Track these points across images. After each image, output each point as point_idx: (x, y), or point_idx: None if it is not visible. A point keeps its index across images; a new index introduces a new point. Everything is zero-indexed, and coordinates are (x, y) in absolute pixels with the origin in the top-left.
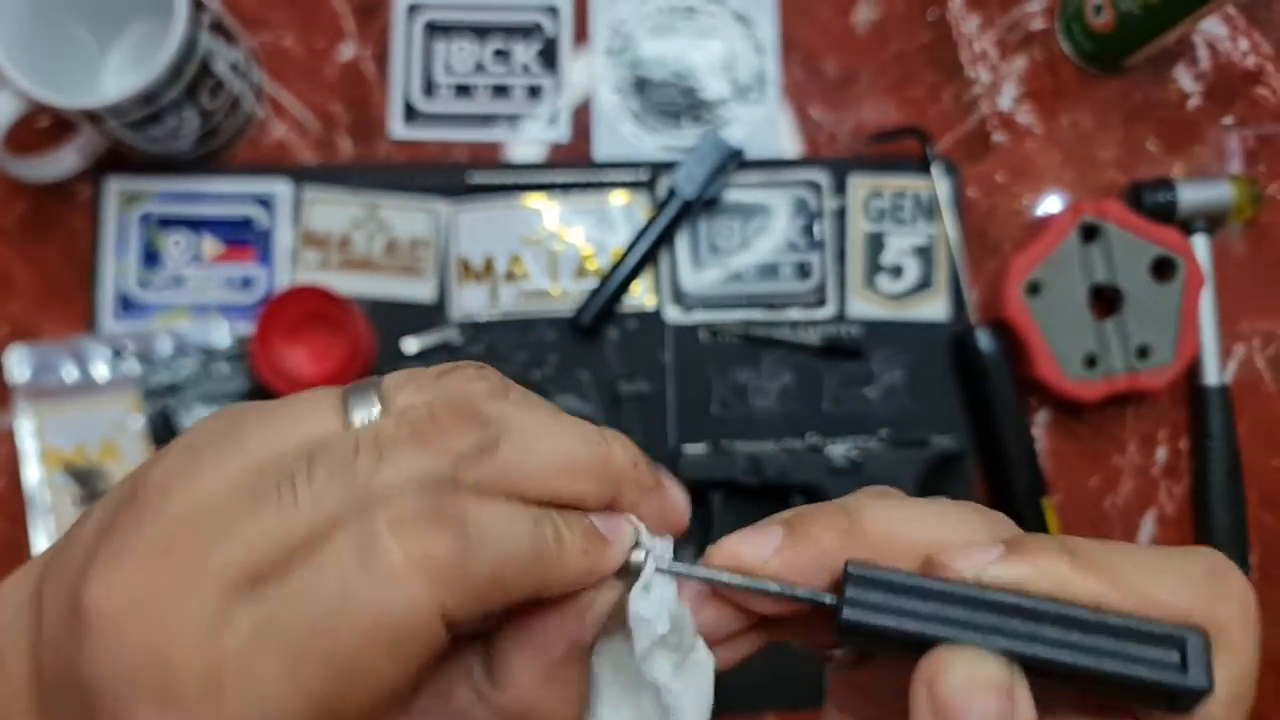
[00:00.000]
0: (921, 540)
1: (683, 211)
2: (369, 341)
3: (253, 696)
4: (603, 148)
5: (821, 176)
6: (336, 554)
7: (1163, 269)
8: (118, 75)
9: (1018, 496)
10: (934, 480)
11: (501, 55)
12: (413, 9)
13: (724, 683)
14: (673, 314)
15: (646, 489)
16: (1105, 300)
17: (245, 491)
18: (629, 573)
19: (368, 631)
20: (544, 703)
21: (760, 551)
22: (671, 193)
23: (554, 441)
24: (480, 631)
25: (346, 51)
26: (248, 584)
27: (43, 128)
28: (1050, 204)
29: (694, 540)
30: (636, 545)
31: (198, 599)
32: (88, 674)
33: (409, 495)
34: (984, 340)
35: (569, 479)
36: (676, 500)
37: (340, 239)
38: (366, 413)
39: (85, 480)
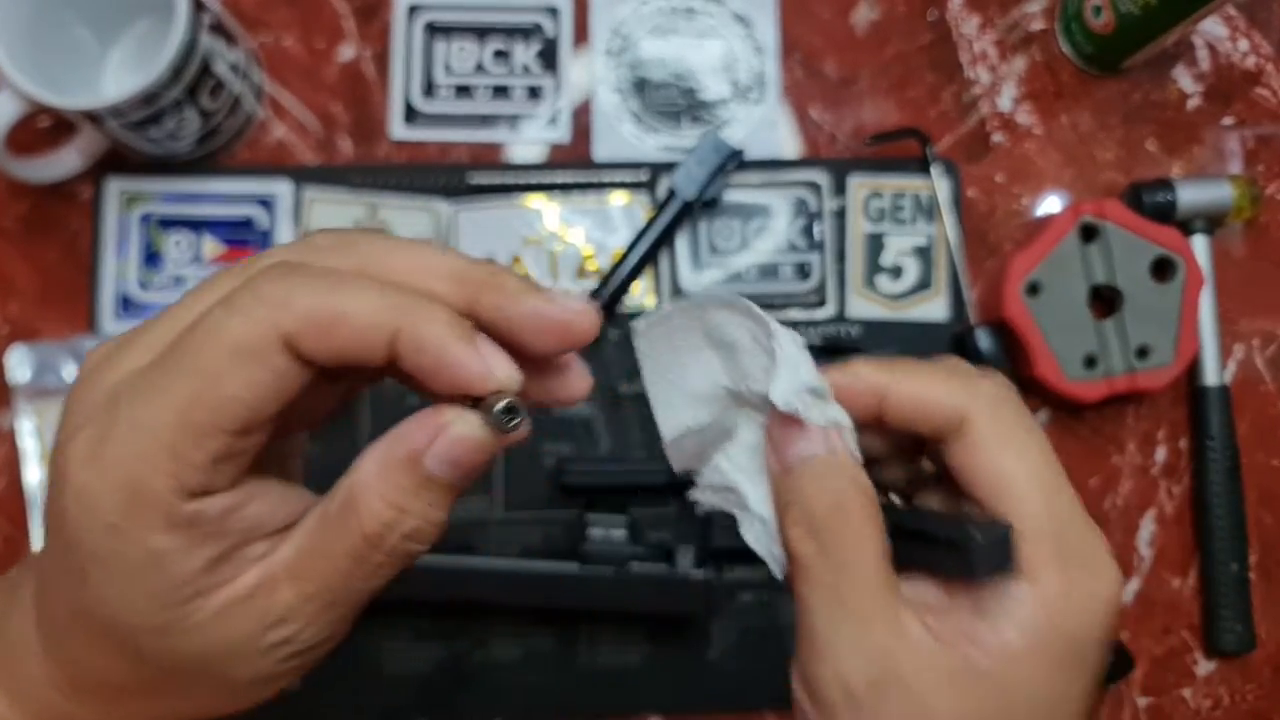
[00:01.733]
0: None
1: (683, 212)
2: None
3: (135, 402)
4: (603, 148)
5: (821, 177)
6: (210, 312)
7: (1162, 269)
8: (118, 76)
9: None
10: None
11: (501, 56)
12: (413, 10)
13: (724, 682)
14: None
15: (511, 293)
16: (1105, 300)
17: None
18: (492, 419)
19: (216, 348)
20: (370, 496)
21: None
22: (671, 193)
23: (410, 247)
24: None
25: (347, 52)
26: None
27: (43, 128)
28: (1050, 204)
29: (695, 541)
30: (506, 405)
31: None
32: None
33: (271, 267)
34: (983, 340)
35: (423, 274)
36: (553, 308)
37: None
38: None
39: None
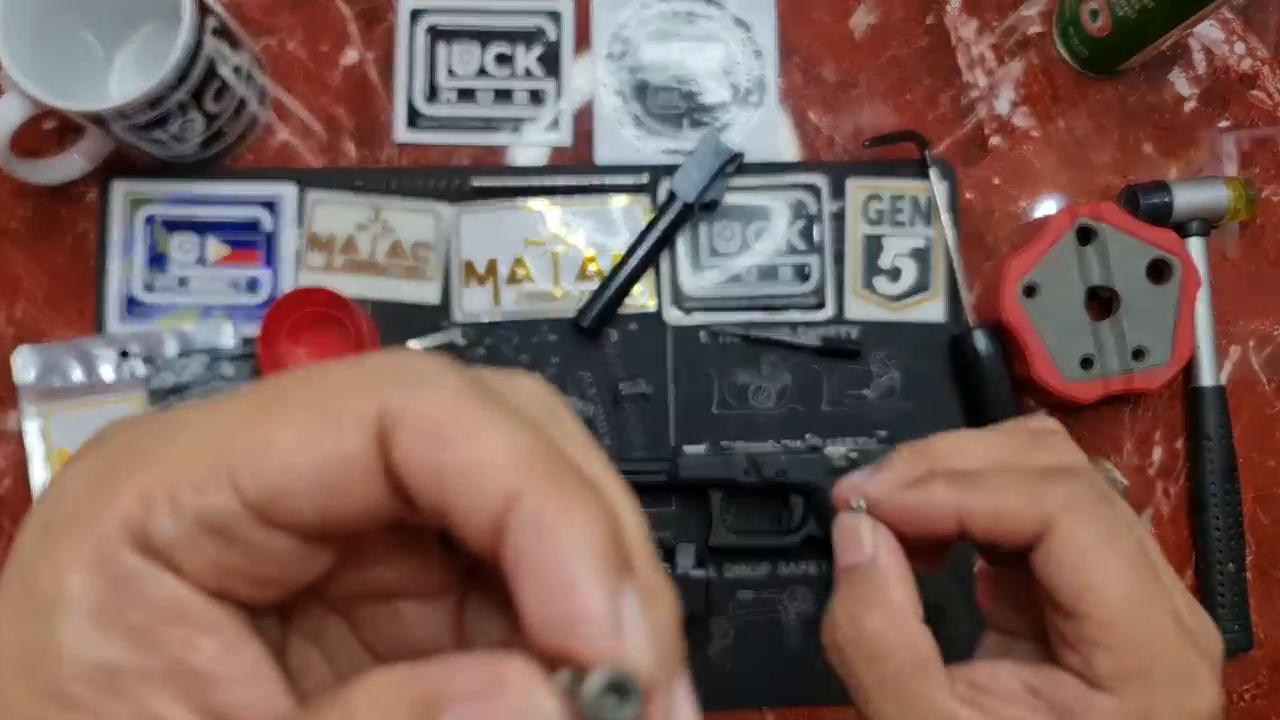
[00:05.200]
0: (962, 455)
1: (683, 214)
2: (373, 342)
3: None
4: (604, 151)
5: (820, 180)
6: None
7: (1158, 271)
8: (123, 79)
9: None
10: None
11: (504, 60)
12: (416, 14)
13: (723, 681)
14: (673, 315)
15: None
16: (1101, 302)
17: None
18: (586, 701)
19: (296, 450)
20: None
21: (864, 479)
22: (672, 196)
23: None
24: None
25: (350, 56)
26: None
27: (49, 130)
28: (1047, 206)
29: (695, 540)
30: (616, 680)
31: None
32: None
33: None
34: (981, 342)
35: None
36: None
37: (344, 241)
38: None
39: None
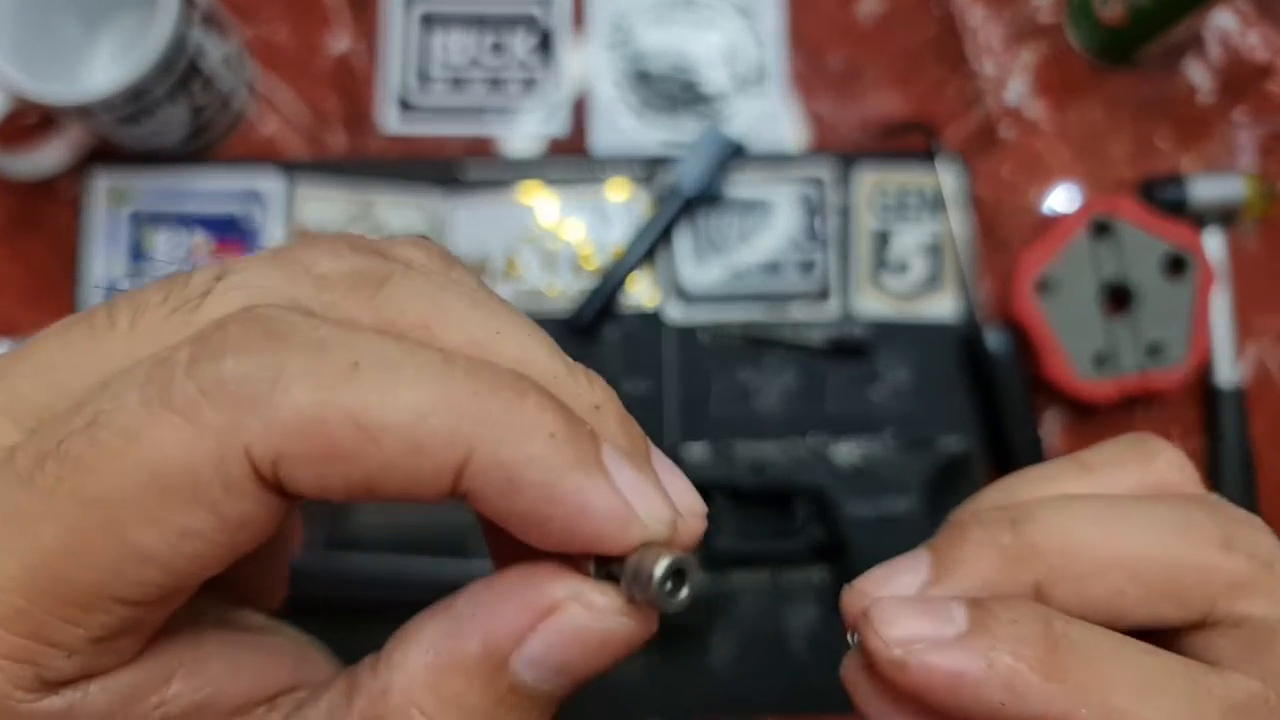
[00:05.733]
0: (1119, 556)
1: (683, 207)
2: None
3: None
4: (601, 142)
5: (825, 171)
6: (122, 394)
7: (1174, 266)
8: (106, 69)
9: None
10: (941, 482)
11: (498, 48)
12: (408, 0)
13: (725, 689)
14: (674, 311)
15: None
16: (1116, 298)
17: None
18: (640, 589)
19: (125, 466)
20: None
21: (907, 588)
22: (672, 188)
23: (484, 305)
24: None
25: (340, 44)
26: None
27: (29, 123)
28: (1058, 199)
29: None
30: (669, 566)
31: None
32: None
33: (240, 321)
34: (993, 339)
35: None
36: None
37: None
38: None
39: None
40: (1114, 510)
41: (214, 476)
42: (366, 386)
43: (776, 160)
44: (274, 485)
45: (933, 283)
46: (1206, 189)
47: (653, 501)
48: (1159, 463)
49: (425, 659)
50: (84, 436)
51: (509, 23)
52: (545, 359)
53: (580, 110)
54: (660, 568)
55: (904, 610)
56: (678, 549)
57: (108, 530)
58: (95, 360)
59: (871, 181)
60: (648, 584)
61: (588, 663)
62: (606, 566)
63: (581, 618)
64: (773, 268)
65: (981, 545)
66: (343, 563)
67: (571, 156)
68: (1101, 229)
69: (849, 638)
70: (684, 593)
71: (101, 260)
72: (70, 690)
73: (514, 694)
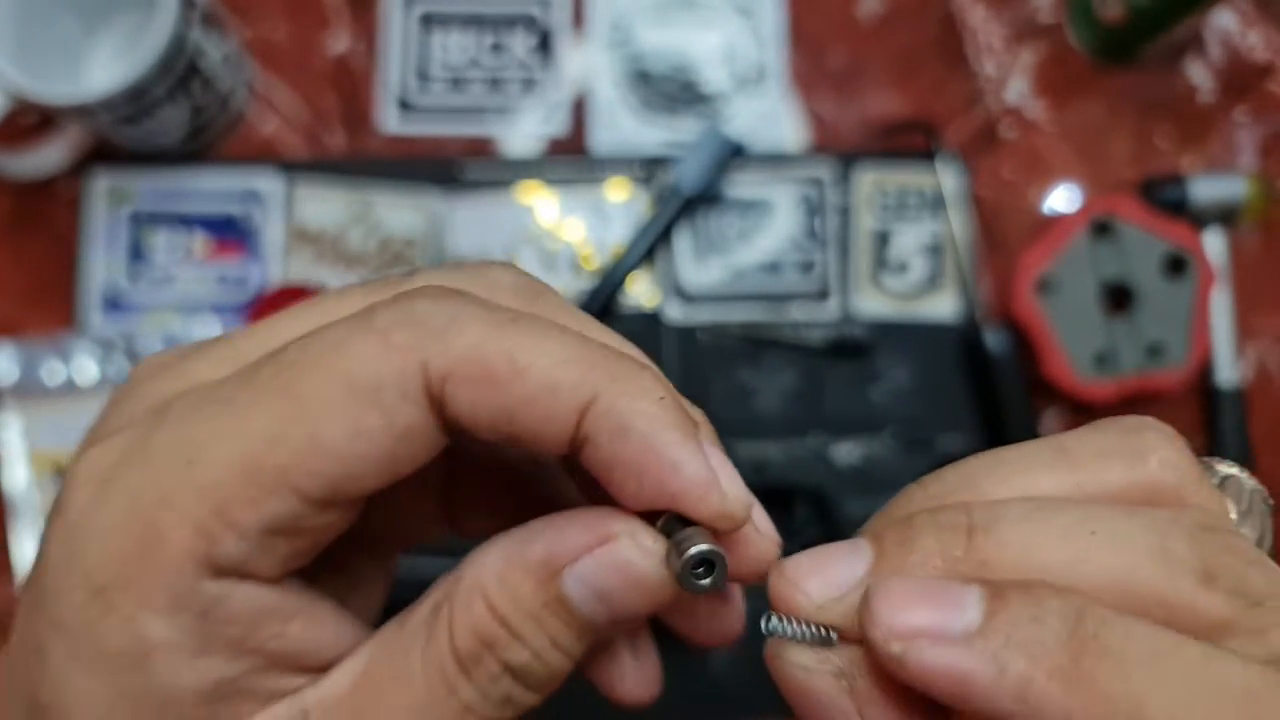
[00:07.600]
0: (1082, 585)
1: (683, 207)
2: None
3: (188, 419)
4: (601, 142)
5: (825, 171)
6: (331, 324)
7: (1175, 266)
8: (106, 69)
9: None
10: None
11: (497, 48)
12: (408, 0)
13: (725, 690)
14: (673, 311)
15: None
16: (1116, 298)
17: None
18: (678, 565)
19: (326, 372)
20: (474, 599)
21: (841, 578)
22: (671, 188)
23: (605, 333)
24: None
25: (339, 44)
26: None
27: (28, 123)
28: (1059, 199)
29: None
30: (705, 553)
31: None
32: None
33: (429, 286)
34: (993, 339)
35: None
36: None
37: (333, 235)
38: None
39: None
40: (1084, 526)
41: (395, 384)
42: (522, 334)
43: (776, 160)
44: (437, 404)
45: (933, 282)
46: (1207, 189)
47: (736, 484)
48: (1151, 462)
49: (497, 555)
50: (298, 346)
51: (508, 23)
52: (653, 380)
53: (580, 110)
54: (697, 549)
55: (911, 594)
56: (714, 543)
57: (302, 421)
58: (312, 318)
59: (871, 181)
60: (683, 559)
61: (623, 596)
62: (665, 532)
63: (630, 551)
64: (772, 268)
65: (929, 554)
66: None
67: (571, 156)
68: (1102, 229)
69: (763, 624)
70: (707, 581)
71: (101, 260)
72: (225, 582)
73: (559, 604)
